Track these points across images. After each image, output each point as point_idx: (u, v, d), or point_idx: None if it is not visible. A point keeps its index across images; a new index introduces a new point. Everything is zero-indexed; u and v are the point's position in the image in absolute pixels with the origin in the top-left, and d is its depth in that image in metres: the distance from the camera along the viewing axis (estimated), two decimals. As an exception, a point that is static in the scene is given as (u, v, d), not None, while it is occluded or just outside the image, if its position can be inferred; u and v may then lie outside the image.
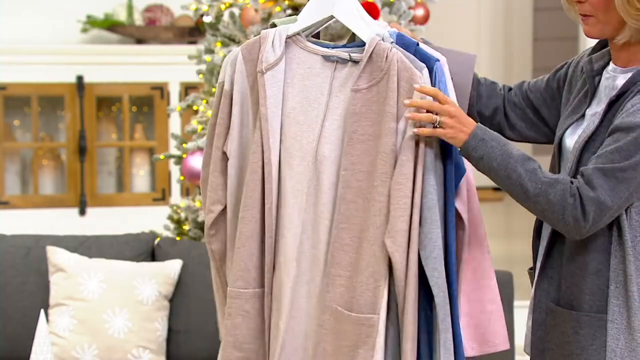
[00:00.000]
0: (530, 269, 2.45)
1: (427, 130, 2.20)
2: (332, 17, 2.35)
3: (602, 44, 2.39)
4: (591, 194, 2.15)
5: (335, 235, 2.25)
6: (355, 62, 2.29)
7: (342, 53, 2.31)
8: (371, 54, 2.26)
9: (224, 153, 2.34)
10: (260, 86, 2.28)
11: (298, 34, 2.35)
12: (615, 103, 2.25)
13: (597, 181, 2.15)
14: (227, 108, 2.33)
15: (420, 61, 2.27)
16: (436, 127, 2.20)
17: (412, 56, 2.27)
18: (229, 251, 2.37)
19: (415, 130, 2.20)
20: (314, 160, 2.29)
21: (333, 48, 2.34)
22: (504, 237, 7.04)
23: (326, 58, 2.32)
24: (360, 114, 2.25)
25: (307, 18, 2.36)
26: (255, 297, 2.34)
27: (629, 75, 2.26)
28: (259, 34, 2.45)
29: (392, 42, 2.28)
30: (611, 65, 2.33)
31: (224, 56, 4.25)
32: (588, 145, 2.25)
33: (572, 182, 2.18)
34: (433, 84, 2.25)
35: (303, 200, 2.30)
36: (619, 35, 2.24)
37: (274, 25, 2.41)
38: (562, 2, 2.35)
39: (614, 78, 2.30)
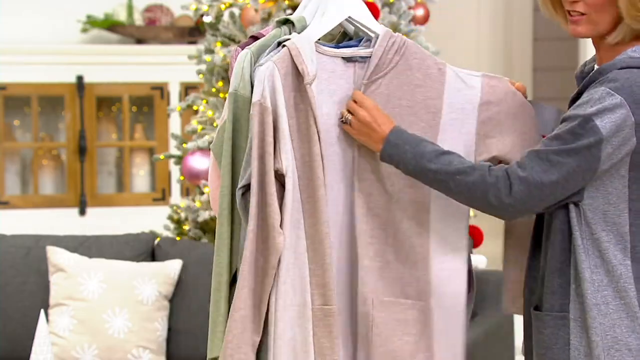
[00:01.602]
0: None
1: (345, 124, 2.30)
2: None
3: None
4: (521, 173, 2.16)
5: (371, 230, 2.30)
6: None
7: (362, 52, 2.33)
8: (384, 47, 2.31)
9: (276, 172, 2.27)
10: (310, 98, 2.24)
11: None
12: (575, 101, 2.26)
13: (530, 163, 2.17)
14: (272, 126, 2.26)
15: None
16: (345, 122, 2.29)
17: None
18: (285, 271, 2.27)
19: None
20: (354, 161, 2.31)
21: (338, 48, 2.34)
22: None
23: (347, 59, 2.32)
24: None
25: (328, 23, 2.34)
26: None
27: None
28: (262, 28, 2.45)
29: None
30: (595, 67, 2.34)
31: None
32: None
33: (490, 167, 2.20)
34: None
35: (350, 202, 2.31)
36: (612, 35, 2.25)
37: (287, 21, 2.39)
38: (541, 2, 2.35)
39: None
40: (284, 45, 2.29)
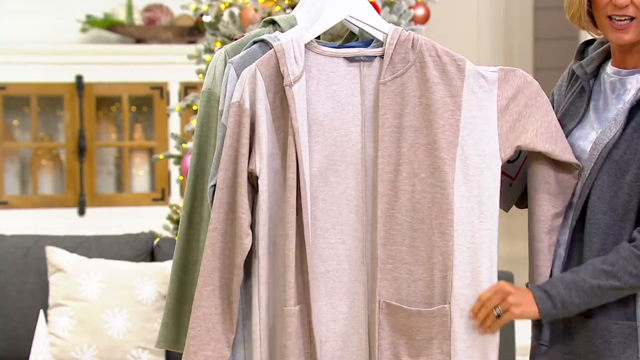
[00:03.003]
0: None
1: (498, 323, 2.26)
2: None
3: (580, 51, 2.40)
4: None
5: (385, 231, 2.27)
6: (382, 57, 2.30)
7: (367, 51, 2.30)
8: (395, 45, 2.28)
9: (249, 173, 2.27)
10: (289, 100, 2.22)
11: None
12: (638, 108, 2.24)
13: None
14: (249, 127, 2.25)
15: None
16: (500, 315, 2.25)
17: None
18: (266, 270, 2.27)
19: (483, 328, 2.28)
20: (362, 162, 2.29)
21: (340, 48, 2.32)
22: (505, 237, 7.02)
23: (350, 59, 2.30)
24: (385, 107, 2.27)
25: (323, 23, 2.31)
26: (300, 314, 2.26)
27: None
28: (258, 35, 2.44)
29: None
30: (612, 68, 2.32)
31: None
32: (611, 153, 2.24)
33: (634, 246, 2.18)
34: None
35: (360, 203, 2.29)
36: None
37: (273, 22, 2.39)
38: (577, 11, 2.31)
39: (622, 81, 2.30)
40: (270, 47, 2.28)
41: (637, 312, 2.22)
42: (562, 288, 2.21)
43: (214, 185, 2.28)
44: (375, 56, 2.30)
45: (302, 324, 2.26)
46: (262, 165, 2.25)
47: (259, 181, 2.25)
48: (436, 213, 2.28)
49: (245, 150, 2.25)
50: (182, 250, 2.43)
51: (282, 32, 2.35)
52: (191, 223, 2.41)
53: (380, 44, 2.32)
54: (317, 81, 2.28)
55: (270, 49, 2.27)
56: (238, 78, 2.27)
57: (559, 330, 2.32)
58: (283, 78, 2.24)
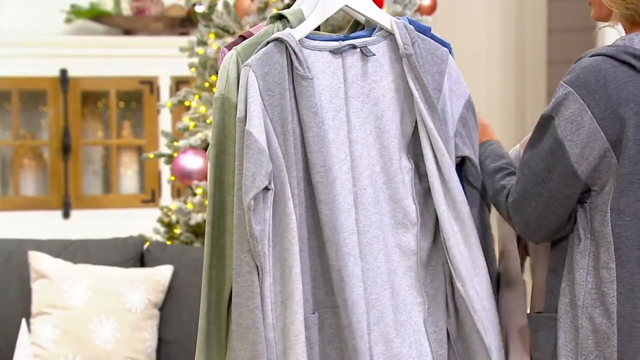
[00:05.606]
0: None
1: None
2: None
3: None
4: (514, 185, 2.28)
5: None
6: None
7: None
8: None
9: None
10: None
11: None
12: None
13: (518, 173, 2.28)
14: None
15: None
16: None
17: (432, 40, 2.40)
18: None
19: None
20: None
21: (337, 40, 2.36)
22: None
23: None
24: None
25: (317, 17, 2.36)
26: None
27: None
28: (255, 25, 2.45)
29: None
30: None
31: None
32: None
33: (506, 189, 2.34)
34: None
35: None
36: (609, 19, 2.27)
37: (280, 17, 2.41)
38: None
39: None
40: (286, 45, 2.31)
41: (559, 304, 2.25)
42: (488, 159, 2.39)
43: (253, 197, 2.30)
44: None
45: None
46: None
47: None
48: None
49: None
50: (206, 266, 2.45)
51: (292, 27, 2.36)
52: (213, 237, 2.41)
53: (384, 32, 2.38)
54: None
55: (286, 47, 2.30)
56: (258, 81, 2.29)
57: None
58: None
